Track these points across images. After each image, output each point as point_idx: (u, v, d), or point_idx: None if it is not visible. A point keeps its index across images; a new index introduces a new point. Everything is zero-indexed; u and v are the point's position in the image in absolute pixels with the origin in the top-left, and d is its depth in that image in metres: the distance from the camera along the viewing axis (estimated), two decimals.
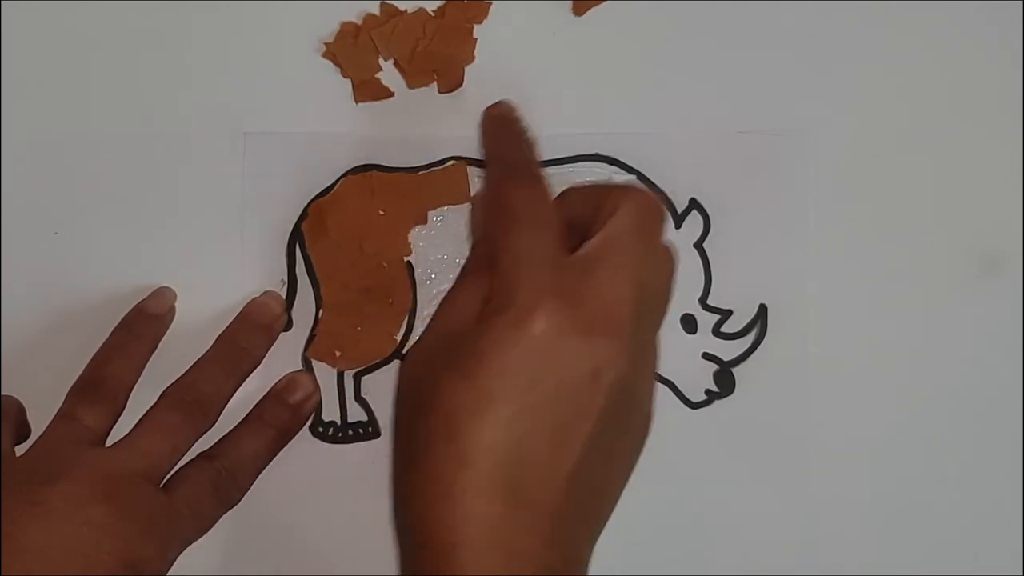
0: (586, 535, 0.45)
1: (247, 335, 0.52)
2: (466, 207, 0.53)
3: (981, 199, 0.55)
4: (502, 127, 0.48)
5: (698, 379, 0.53)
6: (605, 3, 0.54)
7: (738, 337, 0.53)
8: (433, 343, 0.45)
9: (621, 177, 0.53)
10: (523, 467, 0.41)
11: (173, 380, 0.50)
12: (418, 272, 0.53)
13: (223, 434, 0.51)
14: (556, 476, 0.42)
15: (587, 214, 0.45)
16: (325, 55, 0.53)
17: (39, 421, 0.50)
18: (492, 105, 0.49)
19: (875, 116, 0.54)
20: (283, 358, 0.53)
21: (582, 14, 0.54)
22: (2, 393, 0.51)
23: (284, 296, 0.53)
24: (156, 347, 0.51)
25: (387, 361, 0.53)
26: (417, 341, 0.46)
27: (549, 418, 0.41)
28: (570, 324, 0.41)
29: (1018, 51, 0.55)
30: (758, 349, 0.53)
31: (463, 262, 0.51)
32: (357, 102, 0.53)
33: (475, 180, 0.53)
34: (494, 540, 0.41)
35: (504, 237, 0.43)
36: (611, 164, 0.53)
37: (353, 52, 0.52)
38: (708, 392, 0.53)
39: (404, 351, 0.53)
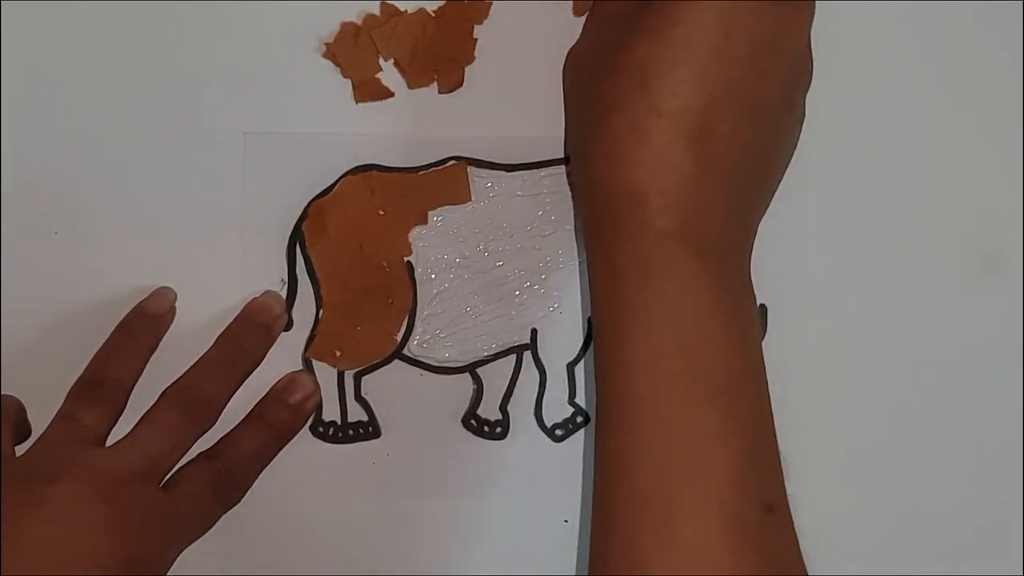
0: (762, 207, 0.47)
1: (247, 335, 0.52)
2: (466, 207, 0.53)
3: (981, 199, 0.55)
4: None
5: None
6: None
7: None
8: (601, 25, 0.48)
9: None
10: (713, 121, 0.43)
11: (173, 380, 0.50)
12: (418, 272, 0.53)
13: (223, 434, 0.51)
14: (739, 135, 0.44)
15: None
16: (325, 55, 0.53)
17: (39, 421, 0.50)
18: None
19: (874, 115, 0.54)
20: (283, 358, 0.53)
21: (582, 14, 0.54)
22: (2, 393, 0.51)
23: (284, 296, 0.53)
24: (156, 347, 0.51)
25: (387, 361, 0.53)
26: (581, 36, 0.51)
27: (737, 76, 0.44)
28: None
29: (1018, 51, 0.55)
30: None
31: (463, 260, 0.52)
32: (357, 102, 0.53)
33: (475, 180, 0.53)
34: (681, 193, 0.43)
35: None
36: None
37: (353, 52, 0.52)
38: None
39: (404, 351, 0.53)
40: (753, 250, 0.53)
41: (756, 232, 0.47)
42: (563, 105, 0.52)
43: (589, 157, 0.45)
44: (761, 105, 0.45)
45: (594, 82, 0.46)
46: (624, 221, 0.44)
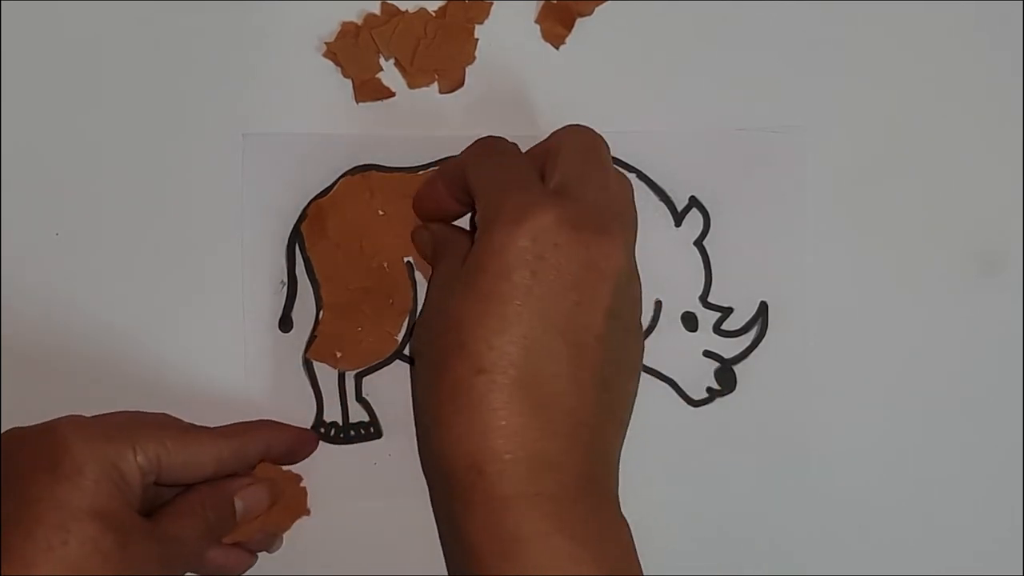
0: (614, 438, 0.45)
1: None
2: None
3: (981, 199, 0.55)
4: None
5: (699, 377, 0.53)
6: (606, 3, 0.54)
7: (739, 335, 0.53)
8: (434, 289, 0.48)
9: None
10: (539, 366, 0.42)
11: None
12: (418, 272, 0.53)
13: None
14: (569, 372, 0.42)
15: (544, 161, 0.46)
16: (326, 55, 0.53)
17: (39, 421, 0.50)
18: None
19: (874, 114, 0.54)
20: (283, 359, 0.53)
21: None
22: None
23: (284, 297, 0.53)
24: None
25: (388, 361, 0.53)
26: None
27: (556, 314, 0.42)
28: (560, 221, 0.42)
29: (1018, 51, 0.55)
30: (759, 346, 0.53)
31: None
32: (358, 102, 0.53)
33: None
34: (518, 451, 0.41)
35: (482, 167, 0.46)
36: None
37: (354, 52, 0.53)
38: (709, 390, 0.53)
39: (404, 351, 0.53)
40: (753, 249, 0.53)
41: (619, 459, 0.45)
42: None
43: (424, 438, 0.44)
44: (595, 334, 0.43)
45: (431, 342, 0.45)
46: (467, 496, 0.41)
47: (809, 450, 0.54)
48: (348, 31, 0.53)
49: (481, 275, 0.42)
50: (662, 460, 0.52)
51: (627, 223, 0.47)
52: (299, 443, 0.52)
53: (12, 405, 0.52)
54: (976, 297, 0.54)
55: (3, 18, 0.52)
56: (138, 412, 0.48)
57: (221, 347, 0.52)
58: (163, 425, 0.48)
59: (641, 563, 0.44)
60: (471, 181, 0.46)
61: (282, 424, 0.52)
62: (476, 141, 0.48)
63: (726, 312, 0.53)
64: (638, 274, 0.46)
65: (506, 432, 0.41)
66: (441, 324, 0.43)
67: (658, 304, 0.53)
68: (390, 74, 0.53)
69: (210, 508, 0.47)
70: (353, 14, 0.53)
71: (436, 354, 0.43)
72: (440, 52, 0.53)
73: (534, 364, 0.42)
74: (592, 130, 0.47)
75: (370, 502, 0.53)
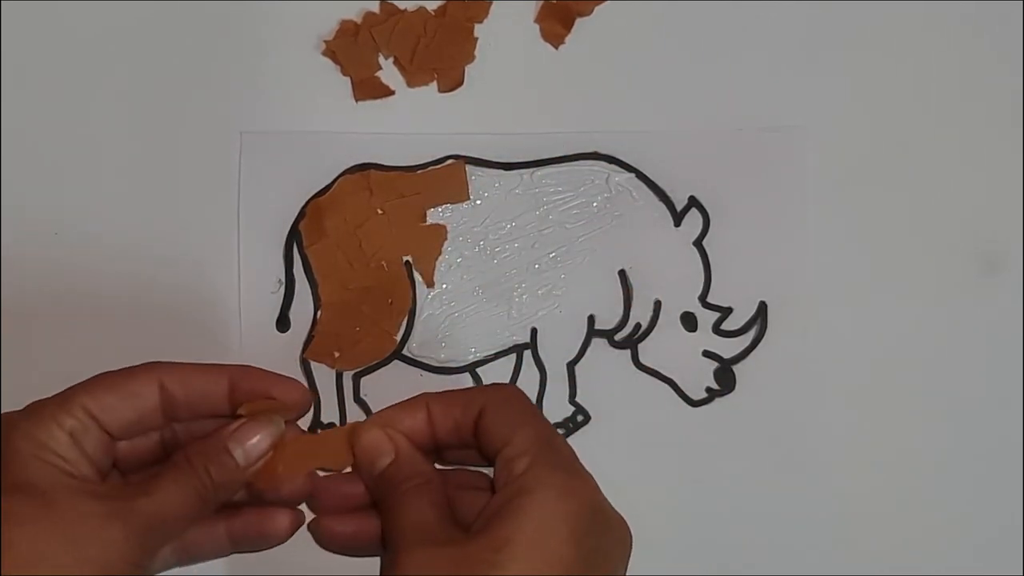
0: None
1: None
2: (465, 206, 0.53)
3: (981, 199, 0.55)
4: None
5: (699, 377, 0.53)
6: (605, 3, 0.54)
7: (738, 335, 0.53)
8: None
9: (620, 176, 0.53)
10: None
11: None
12: (417, 272, 0.53)
13: None
14: None
15: (465, 423, 0.46)
16: (325, 53, 0.53)
17: None
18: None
19: (874, 114, 0.55)
20: (282, 359, 0.53)
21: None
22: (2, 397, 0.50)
23: (282, 297, 0.53)
24: None
25: (386, 362, 0.53)
26: None
27: None
28: None
29: (1018, 51, 0.55)
30: (758, 346, 0.53)
31: (462, 260, 0.52)
32: (357, 100, 0.53)
33: (474, 179, 0.53)
34: None
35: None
36: (610, 162, 0.53)
37: (353, 50, 0.53)
38: (709, 390, 0.53)
39: (403, 351, 0.53)
40: (752, 249, 0.53)
41: None
42: None
43: None
44: None
45: None
46: None
47: (808, 450, 0.53)
48: (347, 29, 0.53)
49: None
50: (662, 460, 0.52)
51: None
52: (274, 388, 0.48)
53: (12, 405, 0.51)
54: (976, 297, 0.54)
55: (3, 18, 0.52)
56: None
57: (218, 347, 0.52)
58: (98, 380, 0.46)
59: (641, 563, 0.44)
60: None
61: (248, 367, 0.48)
62: None
63: (725, 312, 0.53)
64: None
65: None
66: None
67: (657, 304, 0.53)
68: (389, 73, 0.53)
69: (198, 462, 0.45)
70: (352, 12, 0.53)
71: None
72: (439, 51, 0.53)
73: None
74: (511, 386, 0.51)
75: None
